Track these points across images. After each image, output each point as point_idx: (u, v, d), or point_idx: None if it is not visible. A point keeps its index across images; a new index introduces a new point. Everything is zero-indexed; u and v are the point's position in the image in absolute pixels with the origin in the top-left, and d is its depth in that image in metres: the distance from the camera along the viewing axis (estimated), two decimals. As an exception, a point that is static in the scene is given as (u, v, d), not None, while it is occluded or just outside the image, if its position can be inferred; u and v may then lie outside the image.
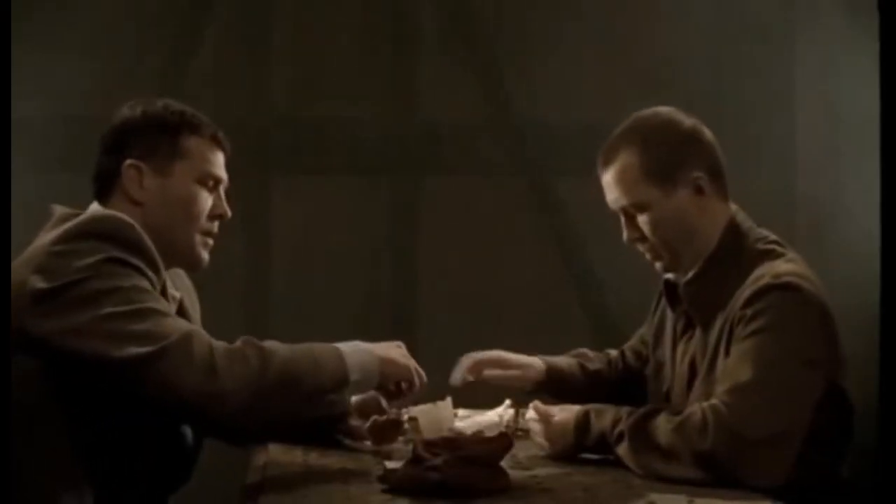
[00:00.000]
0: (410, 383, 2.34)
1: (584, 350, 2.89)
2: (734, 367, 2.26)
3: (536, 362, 2.77)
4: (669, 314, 2.59)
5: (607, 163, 2.48)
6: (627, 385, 2.77)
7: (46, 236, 2.17)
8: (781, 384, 2.23)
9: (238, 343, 2.14)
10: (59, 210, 2.25)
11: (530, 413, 2.48)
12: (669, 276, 2.54)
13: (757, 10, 4.40)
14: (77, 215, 2.22)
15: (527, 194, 4.41)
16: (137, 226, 2.17)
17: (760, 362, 2.23)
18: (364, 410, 2.52)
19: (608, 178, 2.48)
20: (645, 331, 2.79)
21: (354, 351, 2.23)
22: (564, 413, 2.41)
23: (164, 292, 2.23)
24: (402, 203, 4.44)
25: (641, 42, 4.37)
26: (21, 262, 2.15)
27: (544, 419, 2.42)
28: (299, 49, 4.41)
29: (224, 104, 4.17)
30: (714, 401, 2.23)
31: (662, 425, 2.24)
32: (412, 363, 2.34)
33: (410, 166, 4.43)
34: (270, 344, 2.16)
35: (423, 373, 2.36)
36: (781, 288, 2.29)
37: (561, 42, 4.39)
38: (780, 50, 4.40)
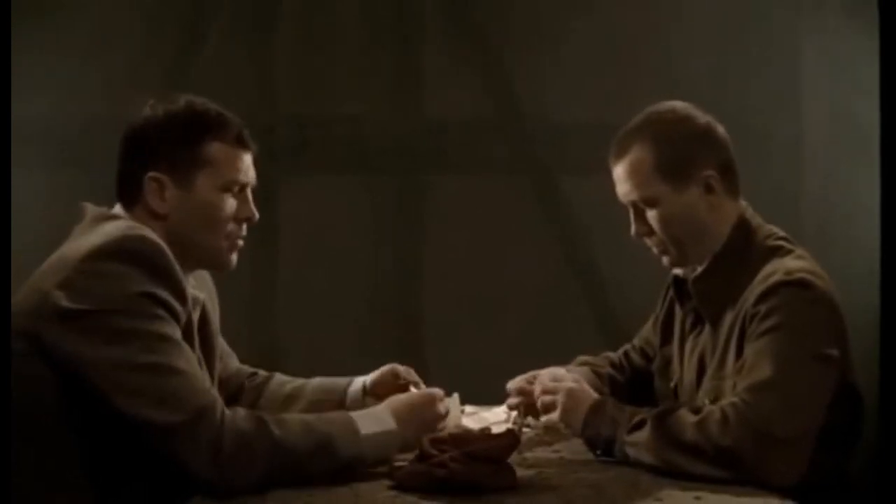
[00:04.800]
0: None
1: (586, 357, 2.87)
2: (751, 365, 2.26)
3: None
4: (678, 310, 2.59)
5: (619, 155, 2.47)
6: (635, 385, 2.77)
7: (77, 247, 2.13)
8: (800, 381, 2.23)
9: (250, 425, 2.09)
10: (90, 210, 2.22)
11: (545, 381, 2.48)
12: (678, 271, 2.54)
13: (762, 10, 4.40)
14: (110, 217, 2.19)
15: (532, 192, 4.42)
16: (167, 250, 2.13)
17: (777, 359, 2.23)
18: (379, 391, 2.51)
19: (619, 171, 2.47)
20: (649, 330, 2.79)
21: (376, 434, 2.19)
22: (586, 390, 2.43)
23: (184, 297, 2.16)
24: (408, 201, 4.44)
25: (647, 41, 4.37)
26: (48, 270, 2.13)
27: (565, 389, 2.42)
28: (304, 48, 4.42)
29: (229, 103, 4.17)
30: (734, 399, 2.23)
31: (685, 420, 2.24)
32: (431, 416, 2.30)
33: (416, 164, 4.44)
34: (284, 430, 2.11)
35: (443, 409, 2.34)
36: (793, 285, 2.30)
37: (566, 40, 4.40)
38: (786, 48, 4.40)
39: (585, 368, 2.79)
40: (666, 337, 2.65)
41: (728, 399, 2.25)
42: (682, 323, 2.57)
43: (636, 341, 2.85)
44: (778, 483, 2.16)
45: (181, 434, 2.05)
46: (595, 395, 2.41)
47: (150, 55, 4.32)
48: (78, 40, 4.27)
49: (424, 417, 2.28)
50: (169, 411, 2.05)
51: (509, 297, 4.36)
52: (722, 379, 2.37)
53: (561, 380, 2.55)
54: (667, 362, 2.63)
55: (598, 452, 2.36)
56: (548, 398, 2.45)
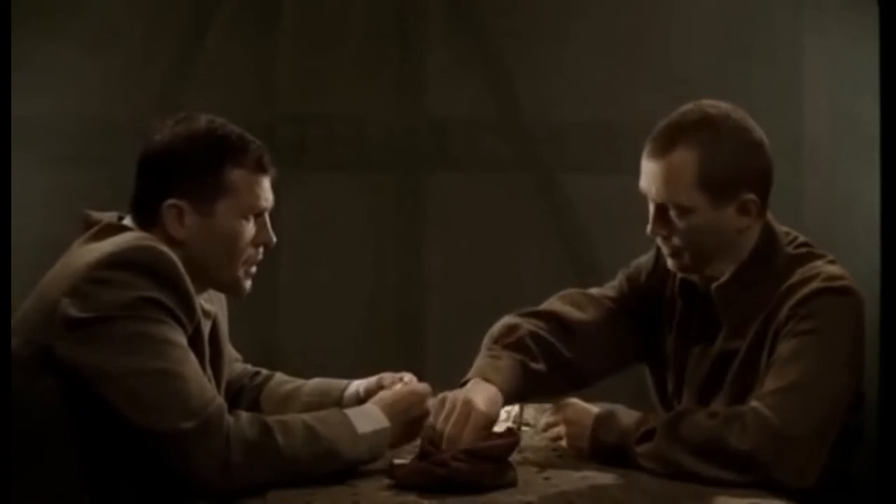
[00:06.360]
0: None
1: (518, 326, 2.52)
2: (780, 368, 2.24)
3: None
4: (679, 306, 2.50)
5: (662, 152, 2.31)
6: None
7: (84, 255, 2.13)
8: (826, 386, 2.23)
9: (256, 433, 2.10)
10: (99, 218, 2.21)
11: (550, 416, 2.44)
12: (684, 275, 2.47)
13: (763, 9, 4.41)
14: (121, 229, 2.19)
15: (534, 190, 4.42)
16: (178, 262, 2.13)
17: (808, 364, 2.22)
18: (376, 393, 2.50)
19: (656, 169, 2.32)
20: (632, 276, 2.60)
21: (373, 432, 2.20)
22: (586, 409, 2.37)
23: (191, 309, 2.15)
24: (409, 199, 4.45)
25: (648, 40, 4.38)
26: (56, 277, 2.13)
27: (564, 414, 2.38)
28: (304, 47, 4.42)
29: (230, 101, 4.18)
30: (756, 403, 2.22)
31: (701, 424, 2.22)
32: (418, 412, 2.29)
33: (417, 163, 4.44)
34: (288, 437, 2.11)
35: (430, 406, 2.32)
36: (836, 291, 2.28)
37: (568, 38, 4.40)
38: (788, 44, 4.40)
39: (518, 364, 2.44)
40: (660, 330, 2.57)
41: (750, 403, 2.24)
42: (685, 324, 2.50)
43: (623, 287, 2.59)
44: (794, 485, 2.16)
45: (190, 441, 2.05)
46: (594, 413, 2.35)
47: (150, 55, 4.32)
48: (78, 40, 4.27)
49: (411, 414, 2.28)
50: (178, 418, 2.05)
51: (510, 295, 4.35)
52: (743, 386, 2.33)
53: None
54: (662, 355, 2.54)
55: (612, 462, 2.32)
56: (552, 432, 2.41)
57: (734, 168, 2.31)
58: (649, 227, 2.38)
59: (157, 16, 4.35)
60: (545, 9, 4.42)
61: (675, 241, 2.36)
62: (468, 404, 2.28)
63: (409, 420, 2.27)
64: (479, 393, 2.32)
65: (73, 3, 4.28)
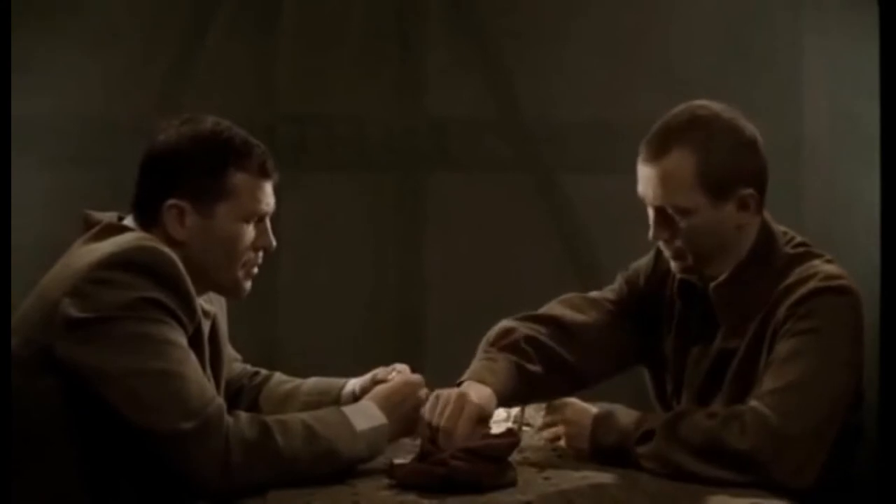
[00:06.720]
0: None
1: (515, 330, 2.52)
2: (779, 367, 2.25)
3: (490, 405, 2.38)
4: (676, 310, 2.51)
5: (657, 157, 2.32)
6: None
7: (85, 256, 2.13)
8: (826, 385, 2.23)
9: (255, 433, 2.10)
10: (99, 219, 2.21)
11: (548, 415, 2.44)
12: (684, 276, 2.47)
13: (764, 6, 4.41)
14: (122, 229, 2.19)
15: (534, 190, 4.42)
16: (179, 262, 2.13)
17: (807, 363, 2.23)
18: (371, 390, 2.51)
19: (652, 173, 2.33)
20: (630, 279, 2.60)
21: (371, 429, 2.21)
22: (585, 409, 2.37)
23: (192, 310, 2.16)
24: (409, 199, 4.45)
25: (648, 40, 4.38)
26: (57, 277, 2.13)
27: (561, 419, 2.38)
28: (304, 47, 4.43)
29: (230, 101, 4.18)
30: (755, 403, 2.22)
31: (700, 424, 2.22)
32: (412, 404, 2.30)
33: (417, 163, 4.44)
34: (288, 438, 2.12)
35: (423, 395, 2.33)
36: (835, 291, 2.28)
37: (568, 38, 4.40)
38: (788, 44, 4.40)
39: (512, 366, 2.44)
40: (659, 331, 2.56)
41: (750, 403, 2.24)
42: (684, 325, 2.50)
43: (623, 291, 2.58)
44: (793, 484, 2.16)
45: (190, 441, 2.06)
46: (593, 413, 2.35)
47: (150, 55, 4.32)
48: (78, 40, 4.27)
49: (405, 407, 2.29)
50: (178, 419, 2.06)
51: (510, 296, 4.35)
52: (742, 385, 2.33)
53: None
54: (661, 355, 2.54)
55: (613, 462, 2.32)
56: (550, 432, 2.42)
57: (730, 165, 2.33)
58: (651, 233, 2.39)
59: (157, 16, 4.36)
60: (545, 9, 4.43)
61: (678, 243, 2.37)
62: (462, 398, 2.29)
63: (405, 412, 2.28)
64: (474, 390, 2.33)
65: (73, 3, 4.28)
